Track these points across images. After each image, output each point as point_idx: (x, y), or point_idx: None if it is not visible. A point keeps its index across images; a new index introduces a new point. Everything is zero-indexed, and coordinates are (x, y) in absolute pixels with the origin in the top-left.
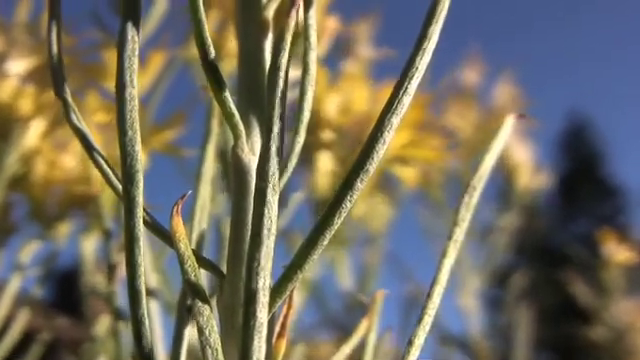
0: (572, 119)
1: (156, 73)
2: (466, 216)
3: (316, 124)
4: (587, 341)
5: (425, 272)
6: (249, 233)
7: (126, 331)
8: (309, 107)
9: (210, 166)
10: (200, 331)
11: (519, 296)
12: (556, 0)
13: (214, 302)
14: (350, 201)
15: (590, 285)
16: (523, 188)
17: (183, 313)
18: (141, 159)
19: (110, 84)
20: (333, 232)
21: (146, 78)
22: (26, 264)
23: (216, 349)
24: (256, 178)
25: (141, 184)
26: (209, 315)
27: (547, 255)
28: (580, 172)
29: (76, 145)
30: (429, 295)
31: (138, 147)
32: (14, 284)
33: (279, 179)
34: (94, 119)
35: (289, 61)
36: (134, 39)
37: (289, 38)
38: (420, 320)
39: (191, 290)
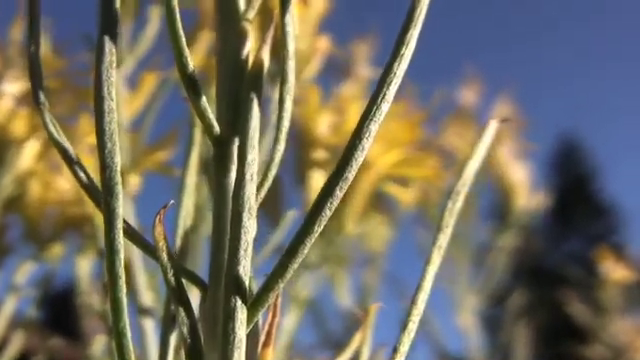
0: (564, 138)
1: (149, 94)
2: (450, 222)
3: (310, 143)
4: None
5: None
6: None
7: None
8: (288, 116)
9: (193, 176)
10: (184, 341)
11: (517, 316)
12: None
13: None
14: (330, 209)
15: (587, 304)
16: (520, 208)
17: (168, 321)
18: (119, 171)
19: None
20: (313, 241)
21: (139, 99)
22: (21, 285)
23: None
24: (232, 202)
25: (121, 196)
26: (193, 325)
27: (543, 275)
28: (573, 191)
29: None
30: (414, 302)
31: (117, 159)
32: (9, 305)
33: (258, 193)
34: (87, 142)
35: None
36: (112, 51)
37: (264, 69)
38: (404, 327)
39: (175, 300)
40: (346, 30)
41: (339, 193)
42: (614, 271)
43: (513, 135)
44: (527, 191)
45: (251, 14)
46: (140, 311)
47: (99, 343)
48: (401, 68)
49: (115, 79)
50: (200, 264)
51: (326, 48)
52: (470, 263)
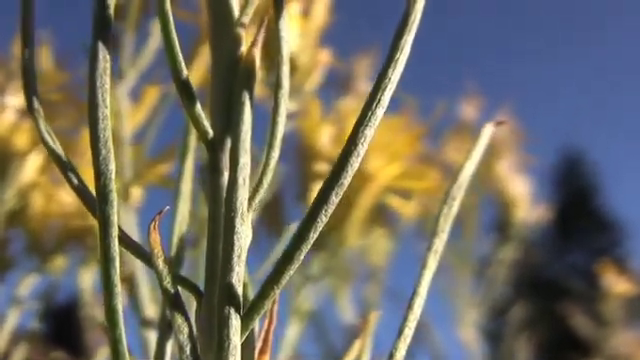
0: (566, 152)
1: (151, 107)
2: (445, 227)
3: (312, 156)
4: None
5: (426, 305)
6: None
7: None
8: (283, 121)
9: (188, 183)
10: (180, 348)
11: (518, 328)
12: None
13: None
14: (325, 215)
15: (589, 317)
16: (521, 221)
17: (164, 328)
18: (114, 178)
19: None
20: (309, 247)
21: (141, 113)
22: (24, 298)
23: None
24: (225, 208)
25: (115, 203)
26: (189, 332)
27: (545, 287)
28: (575, 205)
29: None
30: (410, 307)
31: (112, 166)
32: (12, 318)
33: (252, 198)
34: (89, 155)
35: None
36: (105, 58)
37: (256, 69)
38: (400, 332)
39: (171, 307)
40: (347, 44)
41: (335, 199)
42: (616, 284)
43: (514, 149)
44: (528, 204)
45: (245, 19)
46: (143, 323)
47: (102, 356)
48: (396, 73)
49: (109, 86)
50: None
51: (327, 61)
52: (471, 276)
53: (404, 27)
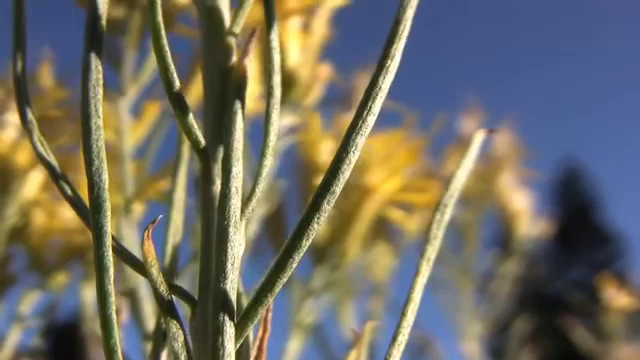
0: (567, 166)
1: (151, 123)
2: (438, 234)
3: (313, 171)
4: None
5: (429, 320)
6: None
7: None
8: (276, 130)
9: (182, 192)
10: (175, 356)
11: (521, 343)
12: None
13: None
14: (318, 223)
15: (590, 331)
16: (523, 236)
17: (159, 337)
18: (107, 188)
19: (107, 136)
20: (302, 255)
21: (142, 128)
22: (26, 315)
23: None
24: (218, 216)
25: (109, 213)
26: (183, 341)
27: (547, 302)
28: (576, 219)
29: None
30: (403, 313)
31: (105, 176)
32: (14, 335)
33: (245, 207)
34: None
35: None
36: (98, 69)
37: (247, 79)
38: (394, 339)
39: (165, 315)
40: (348, 59)
41: (327, 207)
42: (617, 298)
43: (515, 163)
44: (529, 219)
45: (237, 29)
46: (146, 338)
47: None
48: (386, 81)
49: (101, 96)
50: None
51: (327, 76)
52: (474, 290)
53: (394, 35)
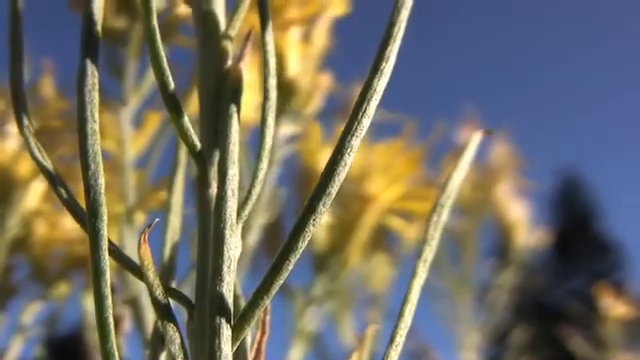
0: (565, 176)
1: (153, 133)
2: (435, 235)
3: (312, 179)
4: None
5: (427, 330)
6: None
7: None
8: (271, 133)
9: (179, 196)
10: (172, 359)
11: (519, 352)
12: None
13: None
14: (314, 225)
15: (588, 340)
16: (520, 246)
17: (157, 340)
18: (103, 192)
19: (108, 146)
20: (297, 257)
21: (143, 138)
22: (28, 325)
23: None
24: (214, 218)
25: (105, 217)
26: (180, 343)
27: (544, 311)
28: (574, 229)
29: None
30: (400, 314)
31: (101, 180)
32: (16, 346)
33: (240, 212)
34: None
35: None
36: (94, 74)
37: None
38: (392, 340)
39: (162, 318)
40: (348, 69)
41: (322, 209)
42: (615, 308)
43: (513, 173)
44: (527, 229)
45: (232, 33)
46: (146, 344)
47: None
48: (381, 84)
49: (97, 101)
50: None
51: (328, 86)
52: (472, 301)
53: (389, 37)
